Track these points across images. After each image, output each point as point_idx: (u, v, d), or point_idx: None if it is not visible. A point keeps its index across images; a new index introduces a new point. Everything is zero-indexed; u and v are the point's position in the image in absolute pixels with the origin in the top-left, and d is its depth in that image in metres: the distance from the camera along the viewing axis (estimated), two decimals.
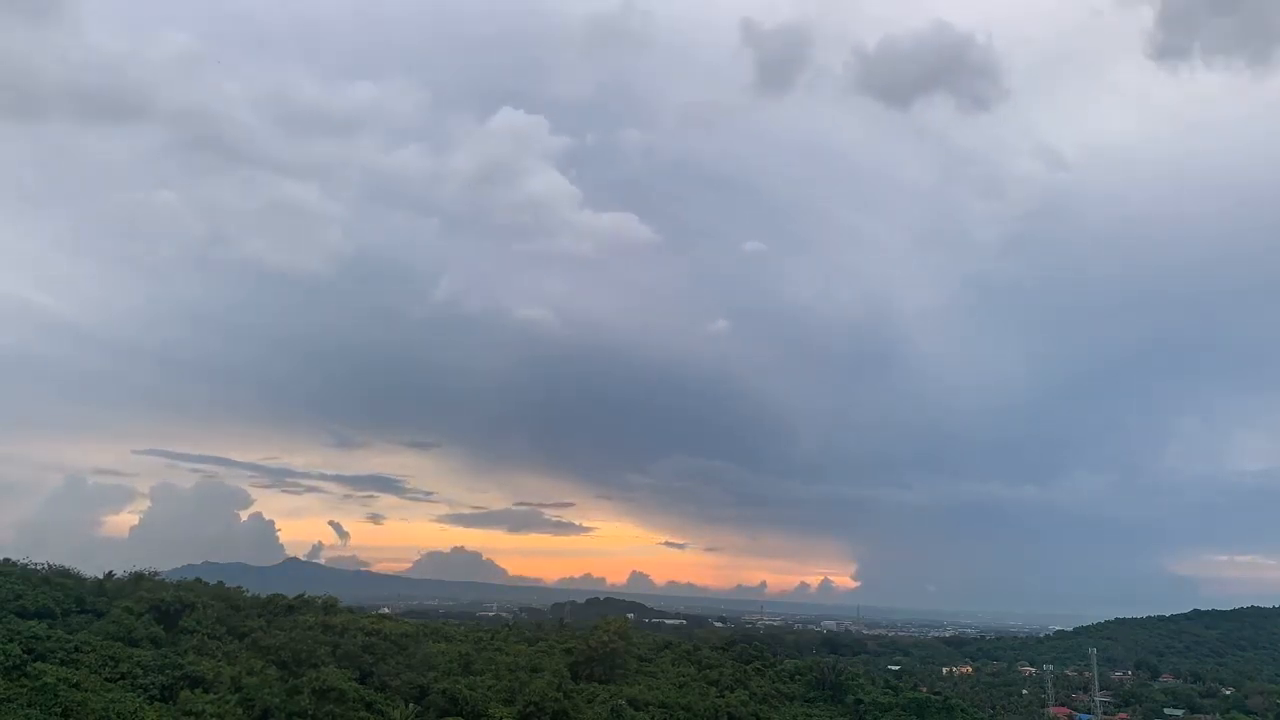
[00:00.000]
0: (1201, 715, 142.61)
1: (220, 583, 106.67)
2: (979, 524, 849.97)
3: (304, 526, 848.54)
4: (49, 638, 60.98)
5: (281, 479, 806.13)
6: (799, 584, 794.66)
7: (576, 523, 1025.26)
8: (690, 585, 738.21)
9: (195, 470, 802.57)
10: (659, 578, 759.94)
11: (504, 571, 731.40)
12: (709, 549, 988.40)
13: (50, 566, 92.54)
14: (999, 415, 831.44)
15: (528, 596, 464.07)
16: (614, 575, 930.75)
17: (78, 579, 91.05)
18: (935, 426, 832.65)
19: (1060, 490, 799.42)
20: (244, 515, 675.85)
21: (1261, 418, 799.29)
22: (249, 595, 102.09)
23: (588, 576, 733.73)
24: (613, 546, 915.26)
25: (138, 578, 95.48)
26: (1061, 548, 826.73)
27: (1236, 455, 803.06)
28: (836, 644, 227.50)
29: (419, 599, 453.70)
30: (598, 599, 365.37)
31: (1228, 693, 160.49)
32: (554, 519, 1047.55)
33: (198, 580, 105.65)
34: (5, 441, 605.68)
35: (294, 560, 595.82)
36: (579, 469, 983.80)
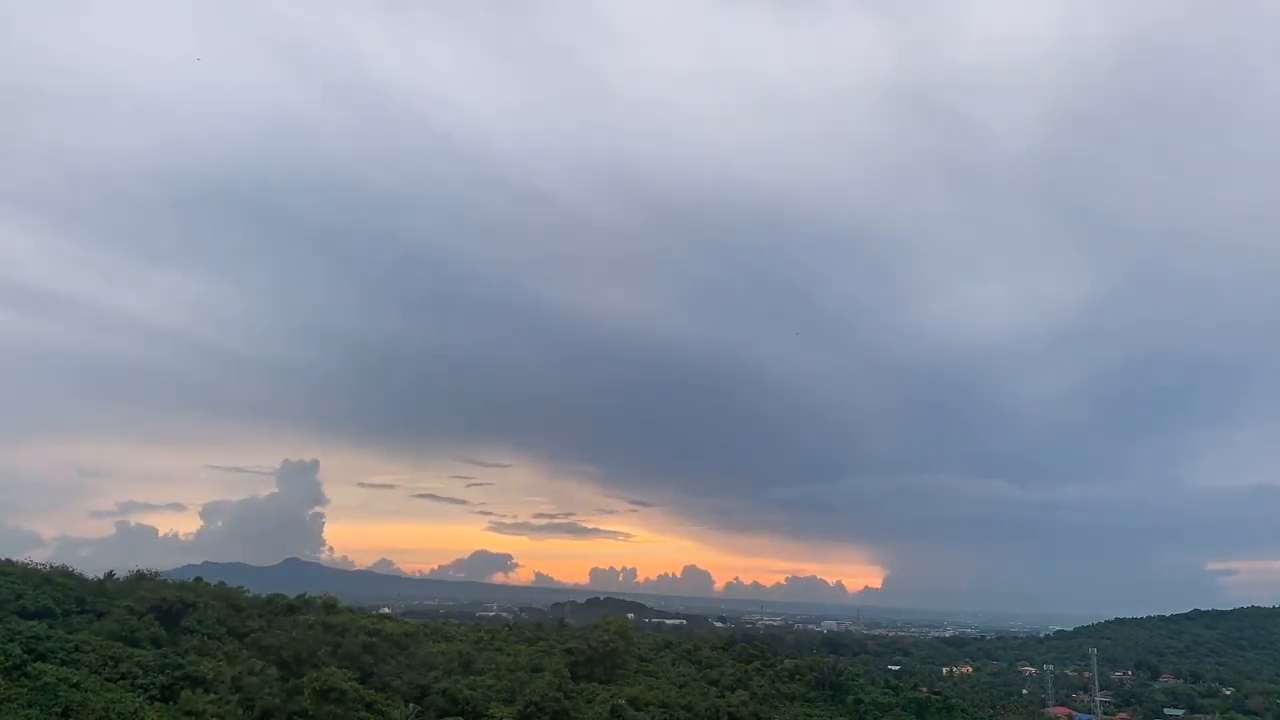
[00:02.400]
0: (1201, 715, 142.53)
1: (221, 583, 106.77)
2: (982, 527, 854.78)
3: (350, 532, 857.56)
4: (49, 638, 60.90)
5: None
6: (820, 584, 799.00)
7: (610, 529, 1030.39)
8: (725, 587, 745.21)
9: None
10: (683, 578, 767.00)
11: (530, 574, 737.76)
12: (730, 550, 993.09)
13: (50, 566, 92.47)
14: (1016, 427, 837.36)
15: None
16: (640, 577, 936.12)
17: (78, 579, 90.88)
18: (952, 435, 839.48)
19: (1063, 493, 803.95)
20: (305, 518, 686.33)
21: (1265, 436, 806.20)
22: (249, 595, 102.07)
23: (615, 578, 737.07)
24: (644, 550, 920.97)
25: (138, 577, 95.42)
26: (1062, 549, 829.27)
27: (1238, 464, 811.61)
28: (837, 644, 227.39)
29: (419, 599, 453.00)
30: (598, 599, 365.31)
31: (1228, 693, 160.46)
32: (587, 525, 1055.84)
33: (198, 580, 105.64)
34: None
35: (293, 560, 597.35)
36: (619, 474, 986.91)
